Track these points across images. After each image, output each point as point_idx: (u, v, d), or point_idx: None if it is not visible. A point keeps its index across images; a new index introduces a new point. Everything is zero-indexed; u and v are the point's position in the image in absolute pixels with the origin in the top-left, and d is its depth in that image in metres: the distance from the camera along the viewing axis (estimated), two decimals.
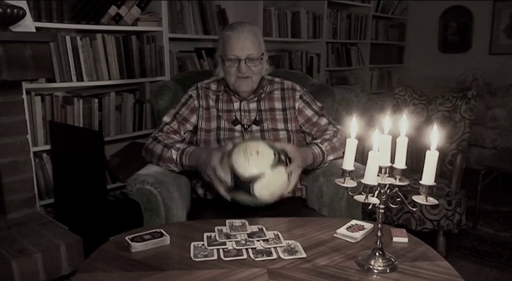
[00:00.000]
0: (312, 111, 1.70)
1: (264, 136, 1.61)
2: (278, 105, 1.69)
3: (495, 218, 2.90)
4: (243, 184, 1.30)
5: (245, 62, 1.57)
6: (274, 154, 1.33)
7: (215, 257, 1.08)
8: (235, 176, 1.30)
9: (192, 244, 1.15)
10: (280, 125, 1.65)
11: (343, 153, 1.60)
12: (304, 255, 1.09)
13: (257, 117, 1.65)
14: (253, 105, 1.67)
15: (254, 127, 1.63)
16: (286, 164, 1.37)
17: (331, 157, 1.62)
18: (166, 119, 1.69)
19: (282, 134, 1.63)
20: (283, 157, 1.35)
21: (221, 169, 1.34)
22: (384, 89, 4.93)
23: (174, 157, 1.52)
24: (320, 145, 1.60)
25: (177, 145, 1.56)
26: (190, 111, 1.68)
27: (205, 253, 1.10)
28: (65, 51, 2.23)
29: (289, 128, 1.66)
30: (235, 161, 1.31)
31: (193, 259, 1.07)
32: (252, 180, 1.29)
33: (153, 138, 1.63)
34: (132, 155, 2.58)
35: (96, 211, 2.05)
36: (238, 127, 1.63)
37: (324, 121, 1.70)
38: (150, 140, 1.63)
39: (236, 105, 1.66)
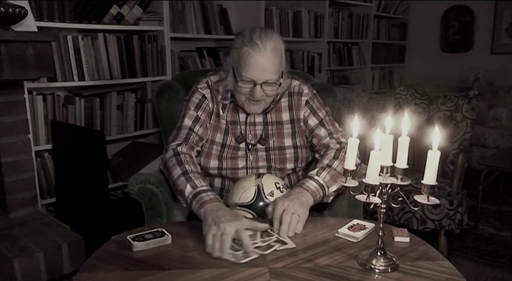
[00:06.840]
0: (316, 121, 1.54)
1: (269, 156, 1.52)
2: (286, 116, 1.55)
3: (497, 217, 2.89)
4: (258, 206, 1.33)
5: (261, 85, 1.37)
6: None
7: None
8: (257, 194, 1.34)
9: None
10: (287, 142, 1.53)
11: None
12: (294, 245, 1.13)
13: (263, 134, 1.53)
14: (259, 118, 1.53)
15: (259, 146, 1.52)
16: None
17: (334, 188, 1.37)
18: (187, 122, 1.48)
19: (289, 153, 1.53)
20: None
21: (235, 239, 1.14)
22: (385, 88, 4.93)
23: (186, 195, 1.30)
24: (317, 177, 1.36)
25: (196, 181, 1.30)
26: (207, 116, 1.51)
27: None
28: (67, 51, 2.23)
29: (297, 144, 1.55)
30: (265, 186, 1.35)
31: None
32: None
33: (174, 152, 1.40)
34: (133, 155, 2.59)
35: (98, 210, 2.06)
36: (242, 145, 1.51)
37: (323, 133, 1.52)
38: (171, 154, 1.40)
39: (242, 117, 1.53)
